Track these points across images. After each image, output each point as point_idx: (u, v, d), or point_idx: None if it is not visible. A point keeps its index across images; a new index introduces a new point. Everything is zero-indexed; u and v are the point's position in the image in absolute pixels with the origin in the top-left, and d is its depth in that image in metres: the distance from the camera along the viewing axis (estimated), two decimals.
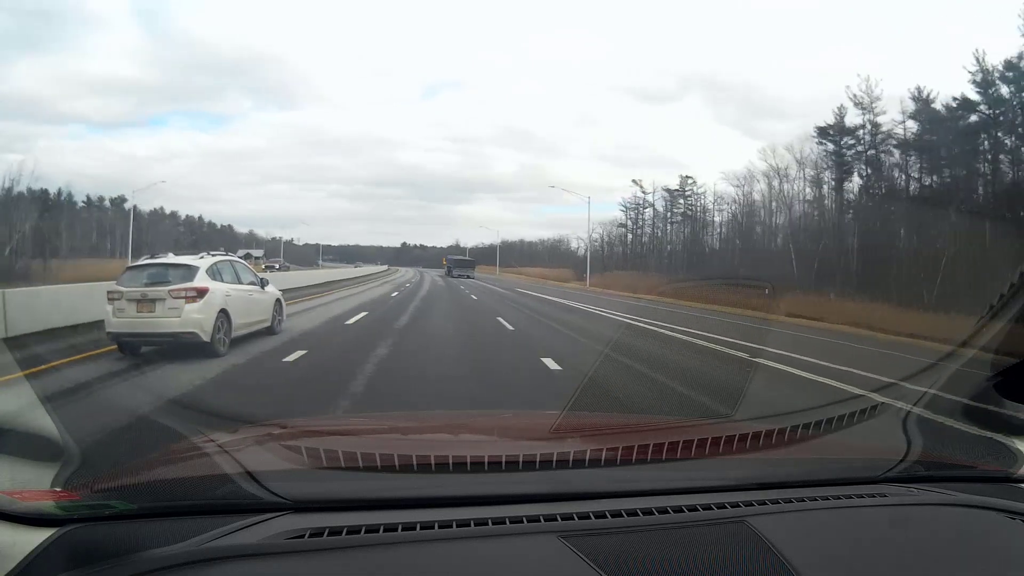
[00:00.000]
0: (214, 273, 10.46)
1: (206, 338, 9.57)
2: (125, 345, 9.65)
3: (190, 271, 10.04)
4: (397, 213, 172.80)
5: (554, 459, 1.74)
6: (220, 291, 10.24)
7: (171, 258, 10.92)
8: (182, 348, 9.39)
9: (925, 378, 2.57)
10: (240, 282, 11.32)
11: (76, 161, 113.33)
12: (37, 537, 1.34)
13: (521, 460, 1.72)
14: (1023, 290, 2.00)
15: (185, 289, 9.63)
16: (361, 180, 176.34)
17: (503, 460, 1.71)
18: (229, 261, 11.62)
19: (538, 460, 1.76)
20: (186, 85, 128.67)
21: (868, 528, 1.55)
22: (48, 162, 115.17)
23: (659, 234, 67.93)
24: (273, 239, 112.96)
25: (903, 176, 36.58)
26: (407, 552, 1.34)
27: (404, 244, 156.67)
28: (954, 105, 32.39)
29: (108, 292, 9.76)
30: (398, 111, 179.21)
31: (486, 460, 1.75)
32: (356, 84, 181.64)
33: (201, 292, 9.74)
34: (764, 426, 2.11)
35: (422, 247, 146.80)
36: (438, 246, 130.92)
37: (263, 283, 12.34)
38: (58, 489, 1.54)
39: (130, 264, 10.67)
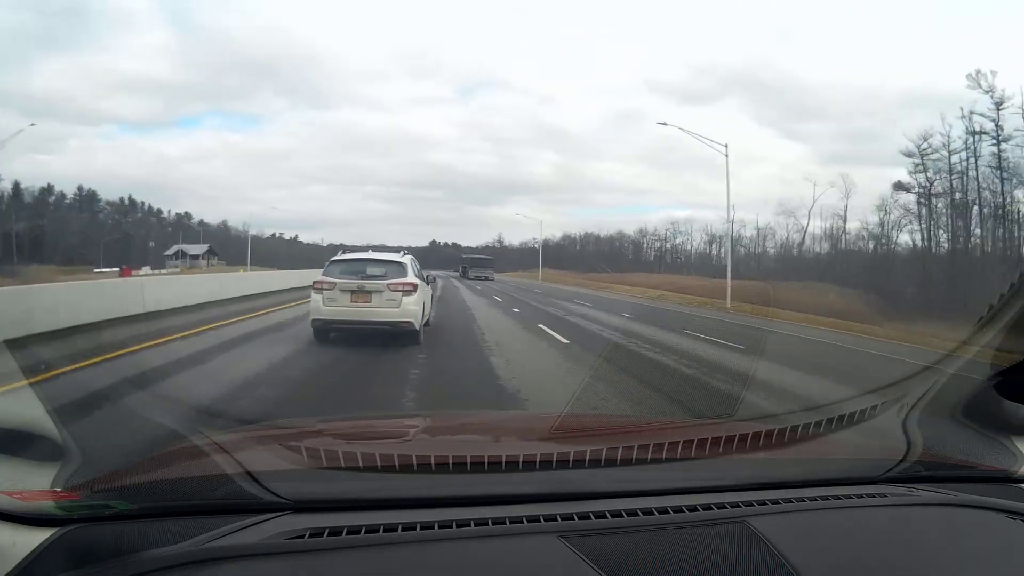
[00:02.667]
0: (414, 269, 11.44)
1: (417, 327, 10.49)
2: (327, 331, 10.43)
3: (402, 267, 10.88)
4: (432, 215, 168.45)
5: (554, 459, 1.74)
6: (421, 286, 11.19)
7: (374, 253, 12.13)
8: (391, 332, 10.21)
9: (925, 377, 2.57)
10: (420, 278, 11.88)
11: (108, 161, 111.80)
12: (37, 537, 1.34)
13: (521, 460, 1.72)
14: (1023, 290, 2.01)
15: (403, 284, 10.40)
16: (397, 182, 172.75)
17: (503, 460, 1.71)
18: (410, 258, 12.08)
19: (538, 460, 1.76)
20: (220, 84, 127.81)
21: (868, 528, 1.55)
22: (79, 162, 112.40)
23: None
24: (272, 236, 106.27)
25: None
26: (407, 552, 1.34)
27: (433, 242, 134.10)
28: None
29: (315, 283, 10.57)
30: (434, 112, 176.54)
31: (486, 460, 1.75)
32: (391, 84, 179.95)
33: (415, 287, 10.58)
34: (764, 426, 2.11)
35: (455, 246, 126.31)
36: (474, 246, 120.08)
37: (428, 280, 13.01)
38: (58, 489, 1.53)
39: (333, 258, 11.47)
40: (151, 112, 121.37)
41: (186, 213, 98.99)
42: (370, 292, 10.33)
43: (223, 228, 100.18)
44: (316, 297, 10.45)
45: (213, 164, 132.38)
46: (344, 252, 12.15)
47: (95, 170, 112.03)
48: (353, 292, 10.30)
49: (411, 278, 10.72)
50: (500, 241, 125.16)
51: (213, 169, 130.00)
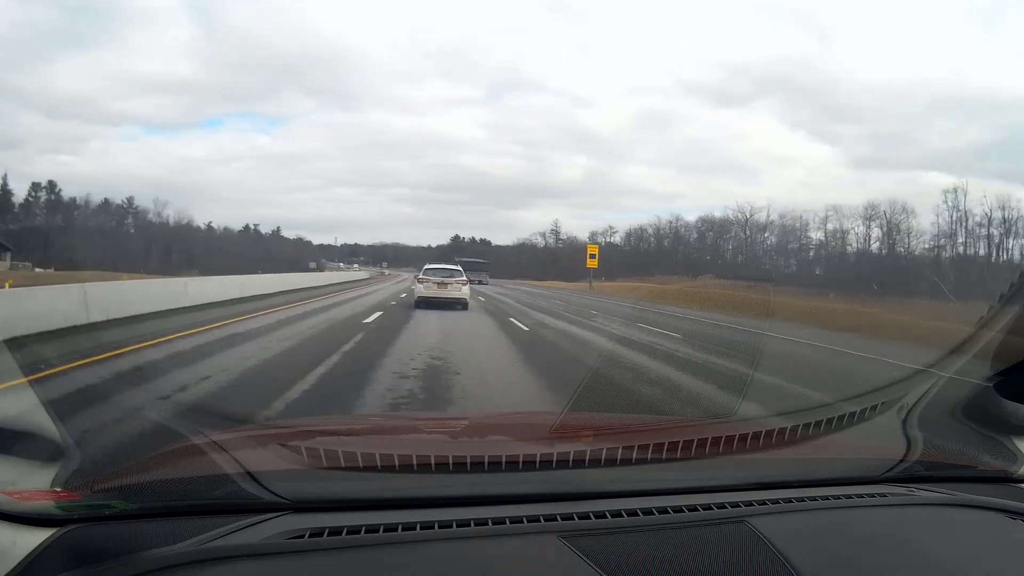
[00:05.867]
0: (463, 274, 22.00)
1: (468, 300, 20.90)
2: (424, 304, 19.63)
3: (460, 272, 21.69)
4: (458, 218, 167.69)
5: (554, 459, 1.74)
6: (468, 281, 22.12)
7: (444, 264, 24.93)
8: (454, 304, 20.03)
9: (925, 378, 2.57)
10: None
11: (129, 163, 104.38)
12: (37, 537, 1.34)
13: (521, 460, 1.72)
14: (1022, 291, 2.01)
15: (462, 281, 20.99)
16: (423, 184, 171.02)
17: (503, 460, 1.71)
18: (460, 267, 23.15)
19: (538, 460, 1.76)
20: (245, 85, 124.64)
21: (868, 528, 1.55)
22: (97, 164, 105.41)
23: None
24: (248, 228, 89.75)
25: None
26: (407, 552, 1.34)
27: (457, 238, 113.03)
28: None
29: (418, 278, 21.45)
30: (463, 113, 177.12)
31: (486, 460, 1.75)
32: (421, 85, 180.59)
33: (467, 282, 21.60)
34: (764, 426, 2.11)
35: (484, 242, 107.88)
36: (507, 244, 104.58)
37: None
38: (58, 489, 1.53)
39: (426, 267, 22.47)
40: (174, 113, 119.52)
41: (49, 183, 68.90)
42: (447, 283, 20.55)
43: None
44: (419, 286, 20.67)
45: (237, 166, 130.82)
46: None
47: (116, 172, 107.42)
48: (439, 283, 20.51)
49: (464, 278, 21.35)
50: (556, 231, 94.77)
51: (237, 172, 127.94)
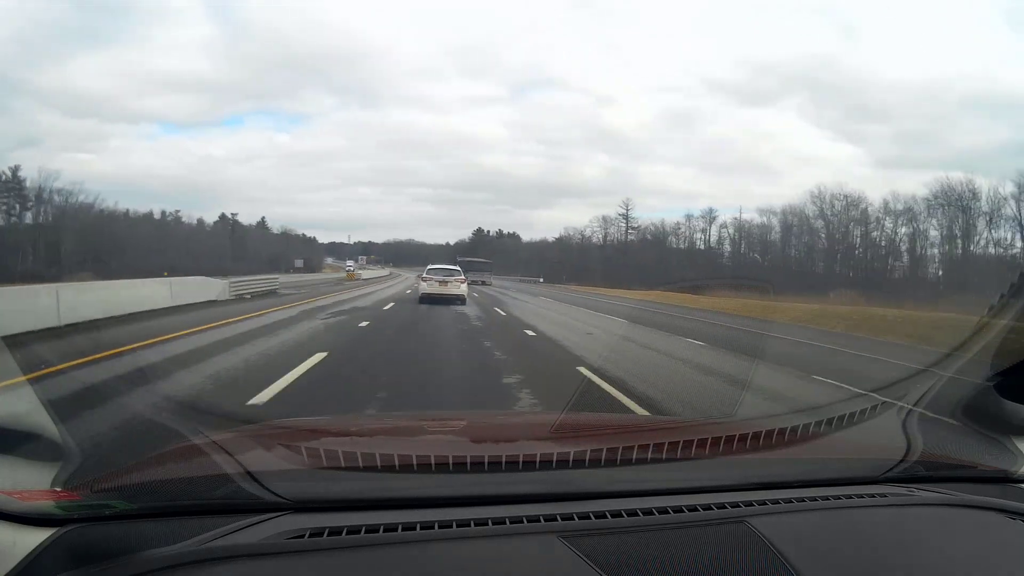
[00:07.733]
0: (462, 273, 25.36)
1: (465, 296, 23.88)
2: (427, 299, 22.64)
3: (459, 272, 25.03)
4: (480, 217, 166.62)
5: (554, 459, 1.74)
6: (466, 280, 25.51)
7: (446, 264, 28.40)
8: (454, 299, 22.76)
9: (925, 378, 2.57)
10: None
11: (148, 161, 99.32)
12: (37, 537, 1.34)
13: (521, 460, 1.72)
14: (1022, 291, 2.01)
15: (461, 279, 24.22)
16: (443, 183, 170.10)
17: (503, 460, 1.71)
18: (459, 267, 26.94)
19: (538, 460, 1.76)
20: (266, 83, 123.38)
21: (868, 528, 1.55)
22: (116, 162, 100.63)
23: None
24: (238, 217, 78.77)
25: None
26: (407, 552, 1.34)
27: (480, 231, 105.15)
28: None
29: (422, 277, 25.36)
30: (485, 112, 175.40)
31: (486, 460, 1.75)
32: (443, 83, 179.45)
33: (465, 280, 24.90)
34: (764, 426, 2.11)
35: (512, 236, 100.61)
36: (537, 238, 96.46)
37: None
38: (58, 489, 1.53)
39: (429, 267, 25.97)
40: (193, 111, 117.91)
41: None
42: (447, 281, 23.60)
43: None
44: (423, 283, 24.08)
45: (257, 165, 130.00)
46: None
47: (135, 170, 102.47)
48: (440, 281, 23.68)
49: (462, 277, 24.62)
50: (625, 215, 69.26)
51: (257, 170, 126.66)
